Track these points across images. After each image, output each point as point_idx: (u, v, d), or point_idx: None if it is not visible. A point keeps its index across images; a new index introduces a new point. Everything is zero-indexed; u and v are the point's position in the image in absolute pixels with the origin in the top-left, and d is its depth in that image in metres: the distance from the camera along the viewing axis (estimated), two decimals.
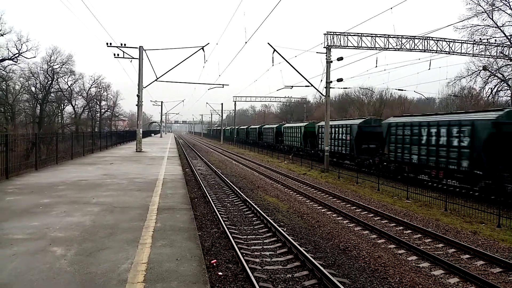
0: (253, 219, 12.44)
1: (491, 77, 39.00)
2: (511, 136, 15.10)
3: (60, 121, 60.36)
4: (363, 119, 27.81)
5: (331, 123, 30.58)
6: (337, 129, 29.40)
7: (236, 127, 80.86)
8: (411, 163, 19.97)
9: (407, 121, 20.83)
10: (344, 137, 28.22)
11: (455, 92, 47.38)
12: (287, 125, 45.42)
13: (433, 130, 18.28)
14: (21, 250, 6.00)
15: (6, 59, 44.24)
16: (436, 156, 17.99)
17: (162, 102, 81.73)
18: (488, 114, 16.24)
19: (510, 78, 36.31)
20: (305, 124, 38.16)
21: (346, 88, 44.64)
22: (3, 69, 44.69)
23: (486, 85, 40.35)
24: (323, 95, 28.56)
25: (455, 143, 16.85)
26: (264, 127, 57.54)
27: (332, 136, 29.77)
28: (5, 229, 7.17)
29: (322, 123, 31.01)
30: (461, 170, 16.49)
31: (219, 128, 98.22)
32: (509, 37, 35.56)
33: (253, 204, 13.95)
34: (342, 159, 29.46)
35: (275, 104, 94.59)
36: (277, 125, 51.04)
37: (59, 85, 56.06)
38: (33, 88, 52.82)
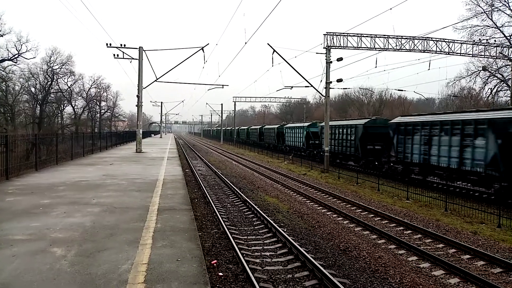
0: (253, 219, 12.43)
1: (491, 77, 39.07)
2: None
3: (60, 121, 60.37)
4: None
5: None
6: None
7: (237, 127, 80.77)
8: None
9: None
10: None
11: (454, 93, 47.46)
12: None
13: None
14: (21, 251, 6.00)
15: (6, 60, 44.31)
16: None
17: (162, 102, 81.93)
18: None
19: (509, 78, 36.31)
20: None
21: (346, 88, 44.68)
22: (2, 69, 44.74)
23: (485, 85, 40.43)
24: (322, 95, 28.55)
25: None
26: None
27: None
28: (5, 229, 7.16)
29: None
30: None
31: (219, 128, 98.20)
32: (508, 37, 35.61)
33: (253, 204, 13.94)
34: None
35: (275, 104, 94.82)
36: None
37: (58, 85, 56.14)
38: (32, 89, 52.91)
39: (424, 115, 21.21)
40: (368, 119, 26.95)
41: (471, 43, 28.32)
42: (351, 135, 27.00)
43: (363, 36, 25.85)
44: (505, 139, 14.49)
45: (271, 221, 11.30)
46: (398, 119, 22.28)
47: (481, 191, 16.59)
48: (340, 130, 28.65)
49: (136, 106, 29.78)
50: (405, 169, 20.60)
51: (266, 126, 57.76)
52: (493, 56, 28.71)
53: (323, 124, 32.21)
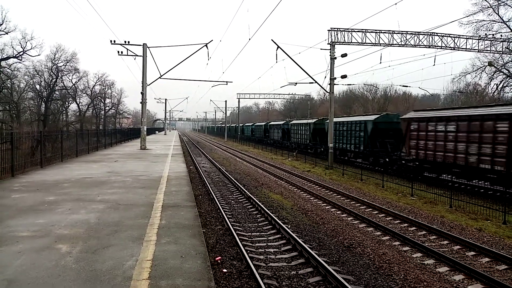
0: (257, 216, 12.44)
1: (497, 73, 38.70)
2: None
3: (64, 119, 60.64)
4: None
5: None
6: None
7: (241, 124, 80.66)
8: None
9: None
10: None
11: (460, 88, 47.06)
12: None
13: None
14: (27, 247, 6.04)
15: (11, 57, 44.47)
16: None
17: (166, 99, 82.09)
18: None
19: None
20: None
21: (350, 84, 44.54)
22: (8, 67, 44.94)
23: (491, 81, 40.05)
24: (327, 91, 28.46)
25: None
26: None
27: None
28: (11, 226, 7.22)
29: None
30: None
31: (223, 125, 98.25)
32: None
33: (257, 201, 13.95)
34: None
35: (279, 101, 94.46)
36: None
37: (63, 83, 56.34)
38: (37, 86, 53.13)
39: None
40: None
41: (477, 38, 28.06)
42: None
43: (368, 32, 25.71)
44: None
45: (275, 218, 11.31)
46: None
47: (486, 187, 16.48)
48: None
49: (141, 103, 29.85)
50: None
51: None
52: (499, 51, 28.43)
53: None
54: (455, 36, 26.57)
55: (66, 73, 55.55)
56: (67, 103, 61.06)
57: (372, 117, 25.74)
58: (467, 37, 27.46)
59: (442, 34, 26.22)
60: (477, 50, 27.63)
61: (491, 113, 15.52)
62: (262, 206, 13.05)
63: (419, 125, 19.55)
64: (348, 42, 25.74)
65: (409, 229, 11.20)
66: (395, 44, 25.80)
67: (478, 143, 15.81)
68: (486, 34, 31.95)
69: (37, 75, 52.08)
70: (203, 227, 9.14)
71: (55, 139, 20.88)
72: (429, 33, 26.00)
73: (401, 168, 21.24)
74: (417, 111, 21.66)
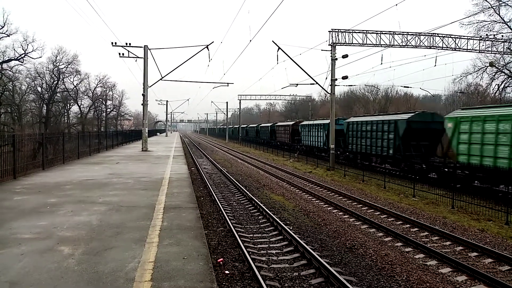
0: (259, 217, 12.43)
1: (498, 73, 38.62)
2: None
3: (66, 121, 60.78)
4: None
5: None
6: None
7: (244, 125, 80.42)
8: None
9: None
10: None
11: (461, 89, 46.99)
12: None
13: None
14: (29, 249, 6.05)
15: (13, 60, 44.59)
16: None
17: (167, 101, 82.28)
18: None
19: None
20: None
21: (351, 85, 44.48)
22: (9, 69, 45.06)
23: (493, 81, 39.95)
24: (328, 92, 28.47)
25: None
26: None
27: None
28: (14, 228, 7.23)
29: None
30: None
31: (224, 127, 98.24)
32: None
33: (259, 202, 13.94)
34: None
35: (280, 102, 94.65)
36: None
37: (65, 85, 56.42)
38: (39, 88, 53.24)
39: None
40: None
41: (478, 38, 28.04)
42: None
43: (369, 33, 25.73)
44: None
45: (277, 219, 11.30)
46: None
47: (489, 187, 16.40)
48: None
49: (142, 104, 29.89)
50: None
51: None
52: (501, 51, 28.41)
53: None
54: (456, 36, 26.57)
55: (67, 75, 55.69)
56: (68, 105, 61.20)
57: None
58: (468, 37, 27.46)
59: (443, 35, 26.23)
60: (478, 51, 27.63)
61: None
62: (263, 207, 13.04)
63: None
64: (349, 43, 25.76)
65: (411, 230, 11.18)
66: (396, 45, 25.82)
67: None
68: (487, 34, 31.92)
69: (39, 77, 52.23)
70: (205, 229, 9.13)
71: (56, 141, 20.89)
72: (430, 34, 26.01)
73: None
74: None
